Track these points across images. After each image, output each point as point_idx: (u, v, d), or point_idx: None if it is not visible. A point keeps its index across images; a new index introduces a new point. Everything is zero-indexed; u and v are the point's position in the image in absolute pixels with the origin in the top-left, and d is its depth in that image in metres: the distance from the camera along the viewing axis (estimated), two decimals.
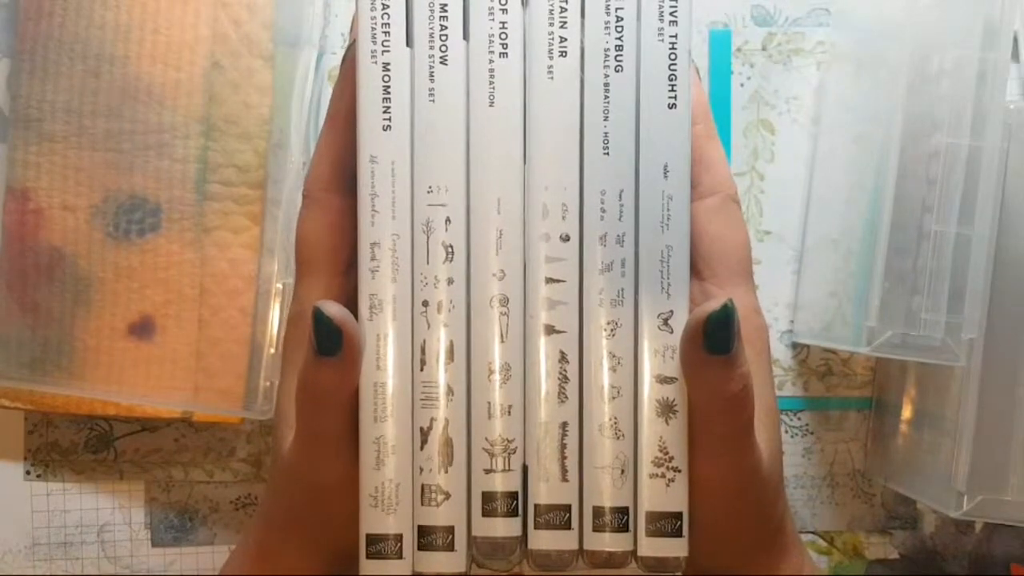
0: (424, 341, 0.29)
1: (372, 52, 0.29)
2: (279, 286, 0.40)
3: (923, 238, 0.37)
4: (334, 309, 0.28)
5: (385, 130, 0.29)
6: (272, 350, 0.40)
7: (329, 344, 0.28)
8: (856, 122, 0.42)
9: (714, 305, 0.27)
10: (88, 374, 0.40)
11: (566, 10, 0.29)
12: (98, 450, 0.43)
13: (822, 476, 0.45)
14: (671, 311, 0.29)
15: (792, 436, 0.45)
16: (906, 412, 0.42)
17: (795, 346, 0.44)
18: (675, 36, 0.29)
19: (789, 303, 0.44)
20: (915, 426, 0.42)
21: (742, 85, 0.44)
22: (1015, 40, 0.42)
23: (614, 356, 0.29)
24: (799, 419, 0.45)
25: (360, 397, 0.29)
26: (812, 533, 0.45)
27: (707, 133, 0.31)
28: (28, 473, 0.43)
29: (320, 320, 0.28)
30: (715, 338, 0.27)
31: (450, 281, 0.29)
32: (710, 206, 0.31)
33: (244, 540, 0.34)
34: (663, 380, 0.29)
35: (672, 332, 0.29)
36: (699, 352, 0.28)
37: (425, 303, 0.29)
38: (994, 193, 0.37)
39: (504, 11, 0.29)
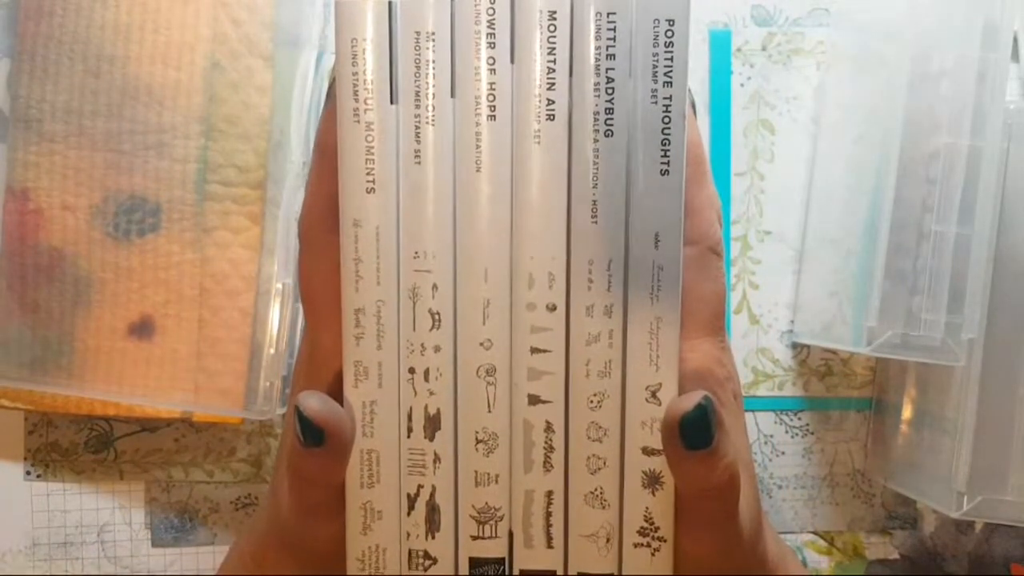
0: (411, 408, 0.29)
1: (354, 111, 0.27)
2: (279, 286, 0.40)
3: (923, 238, 0.37)
4: (314, 406, 0.27)
5: (369, 192, 0.28)
6: (272, 350, 0.40)
7: (312, 439, 0.27)
8: (856, 122, 0.42)
9: (687, 405, 0.27)
10: (88, 374, 0.40)
11: (554, 71, 0.27)
12: (98, 450, 0.43)
13: (822, 476, 0.45)
14: (660, 384, 0.28)
15: (792, 436, 0.45)
16: (906, 412, 0.42)
17: (795, 346, 0.44)
18: (669, 98, 0.27)
19: (789, 303, 0.44)
20: (915, 426, 0.42)
21: (742, 85, 0.44)
22: (1015, 40, 0.42)
23: (600, 427, 0.29)
24: (799, 419, 0.45)
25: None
26: (812, 533, 0.45)
27: (696, 178, 0.30)
28: (28, 473, 0.43)
29: (301, 418, 0.27)
30: (692, 436, 0.27)
31: (436, 349, 0.28)
32: (688, 256, 0.29)
33: (239, 553, 0.34)
34: (649, 452, 0.28)
35: (660, 404, 0.28)
36: (677, 448, 0.27)
37: (412, 370, 0.28)
38: (994, 193, 0.37)
39: (492, 71, 0.27)
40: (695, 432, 0.27)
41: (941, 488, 0.39)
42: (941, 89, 0.37)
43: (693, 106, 0.29)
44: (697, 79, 0.44)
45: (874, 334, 0.37)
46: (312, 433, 0.27)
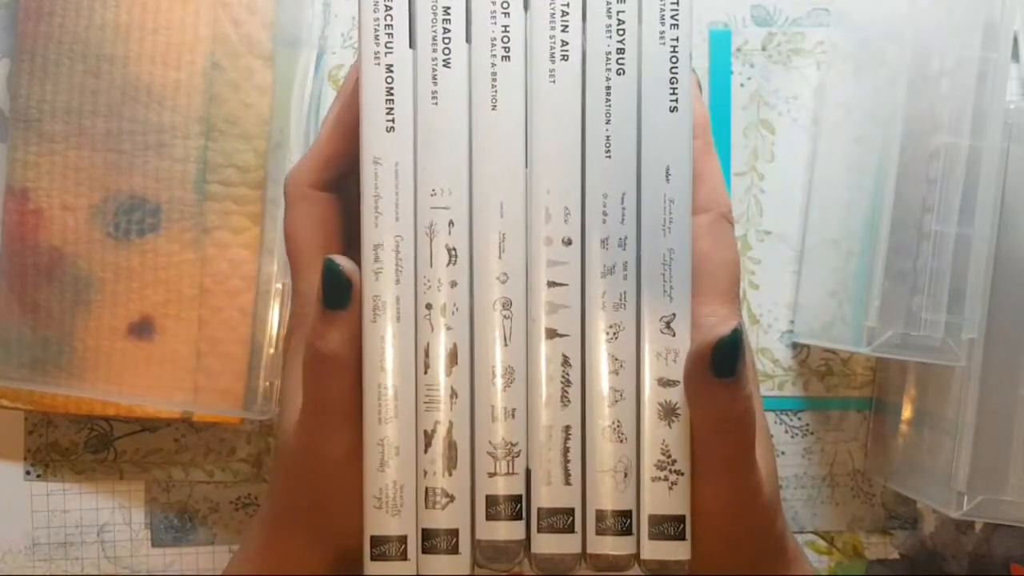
0: (428, 344, 0.29)
1: (375, 53, 0.29)
2: (279, 286, 0.40)
3: (923, 238, 0.37)
4: (345, 261, 0.28)
5: (388, 131, 0.29)
6: (272, 350, 0.40)
7: (340, 296, 0.28)
8: (856, 122, 0.42)
9: (723, 330, 0.27)
10: (88, 374, 0.40)
11: (567, 14, 0.29)
12: (98, 450, 0.43)
13: (822, 476, 0.45)
14: (673, 314, 0.29)
15: (792, 436, 0.45)
16: (906, 412, 0.42)
17: (795, 346, 0.44)
18: (676, 39, 0.29)
19: (789, 303, 0.44)
20: (915, 426, 0.42)
21: (742, 85, 0.44)
22: (1015, 40, 0.42)
23: (616, 359, 0.29)
24: (799, 419, 0.45)
25: (364, 399, 0.29)
26: (812, 533, 0.45)
27: (705, 148, 0.31)
28: (28, 473, 0.43)
29: (332, 271, 0.28)
30: (723, 363, 0.27)
31: (453, 284, 0.29)
32: (701, 222, 0.30)
33: (246, 543, 0.34)
34: (665, 383, 0.29)
35: (674, 335, 0.29)
36: (705, 375, 0.27)
37: (428, 306, 0.29)
38: (994, 193, 0.37)
39: (506, 15, 0.29)
40: (727, 359, 0.27)
41: (941, 488, 0.39)
42: (941, 89, 0.37)
43: (699, 85, 0.31)
44: None
45: (874, 334, 0.37)
46: (341, 286, 0.28)
